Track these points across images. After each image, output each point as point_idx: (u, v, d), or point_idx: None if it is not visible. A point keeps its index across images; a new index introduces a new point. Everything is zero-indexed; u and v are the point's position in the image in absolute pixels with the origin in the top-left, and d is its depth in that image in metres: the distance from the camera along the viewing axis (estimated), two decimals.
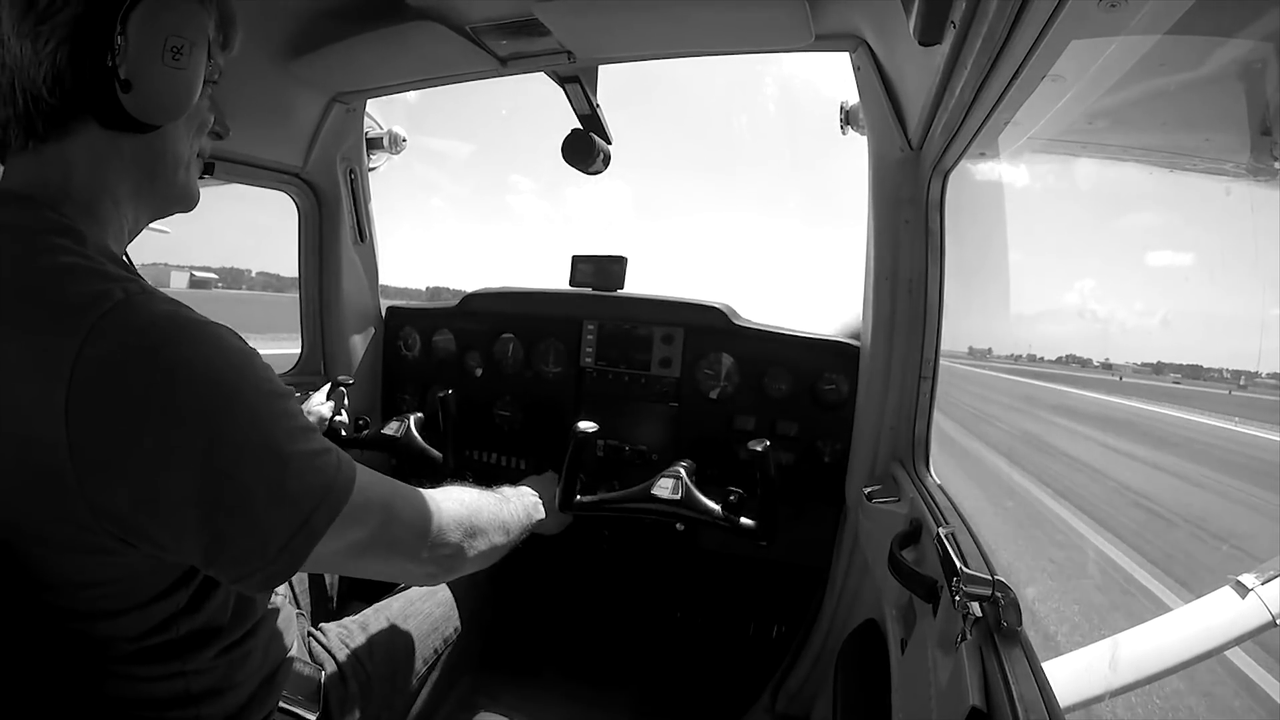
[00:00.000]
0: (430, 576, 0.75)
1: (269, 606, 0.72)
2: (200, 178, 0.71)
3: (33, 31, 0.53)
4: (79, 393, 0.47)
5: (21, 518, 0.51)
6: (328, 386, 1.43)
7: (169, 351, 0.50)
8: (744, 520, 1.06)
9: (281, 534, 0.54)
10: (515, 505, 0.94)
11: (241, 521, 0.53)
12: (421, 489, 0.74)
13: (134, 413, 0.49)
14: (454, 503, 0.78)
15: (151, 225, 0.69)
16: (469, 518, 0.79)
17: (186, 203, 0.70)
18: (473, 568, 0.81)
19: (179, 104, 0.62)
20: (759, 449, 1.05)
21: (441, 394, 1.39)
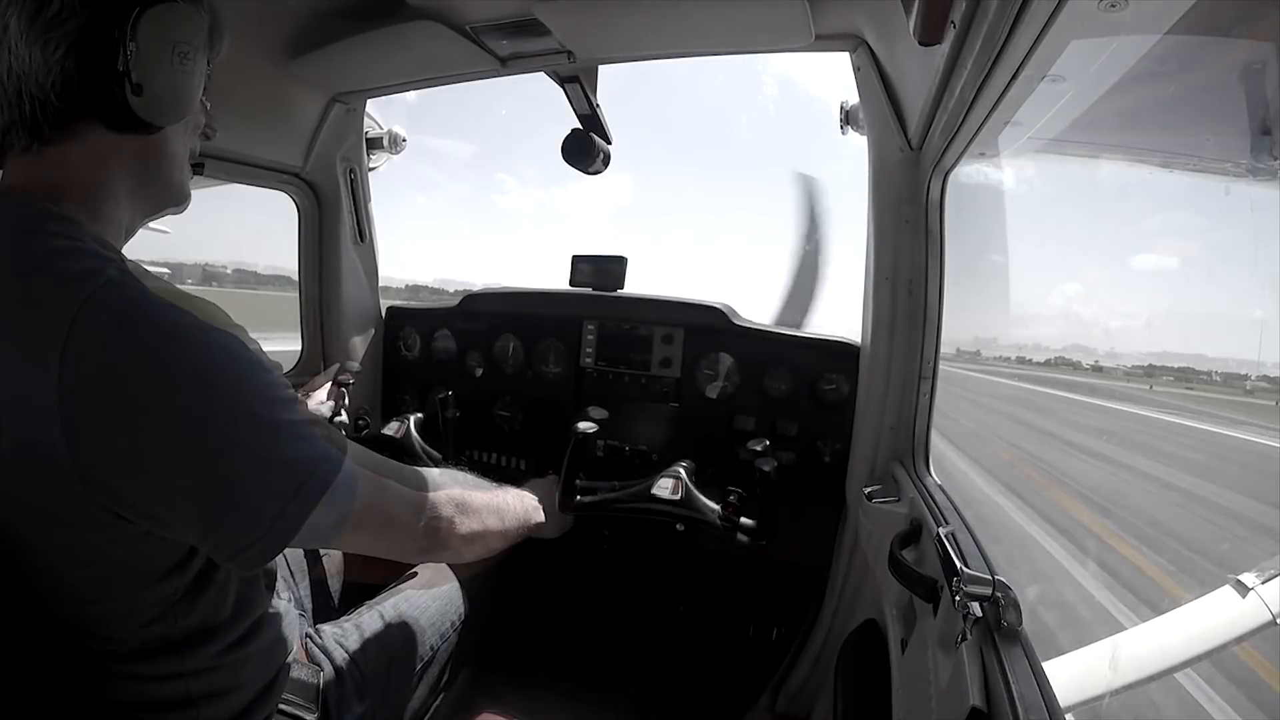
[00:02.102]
0: (423, 551, 0.77)
1: (272, 610, 0.72)
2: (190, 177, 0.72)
3: (42, 39, 0.55)
4: (71, 363, 0.48)
5: (18, 496, 0.52)
6: (329, 384, 1.43)
7: (161, 324, 0.52)
8: (744, 520, 1.06)
9: (275, 503, 0.55)
10: (511, 496, 0.95)
11: (235, 490, 0.54)
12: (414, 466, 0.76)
13: (126, 383, 0.50)
14: (446, 478, 0.80)
15: (151, 225, 0.71)
16: (461, 494, 0.81)
17: (180, 202, 0.71)
18: (466, 548, 0.83)
19: (184, 106, 0.64)
20: (759, 449, 1.05)
21: (441, 395, 1.39)
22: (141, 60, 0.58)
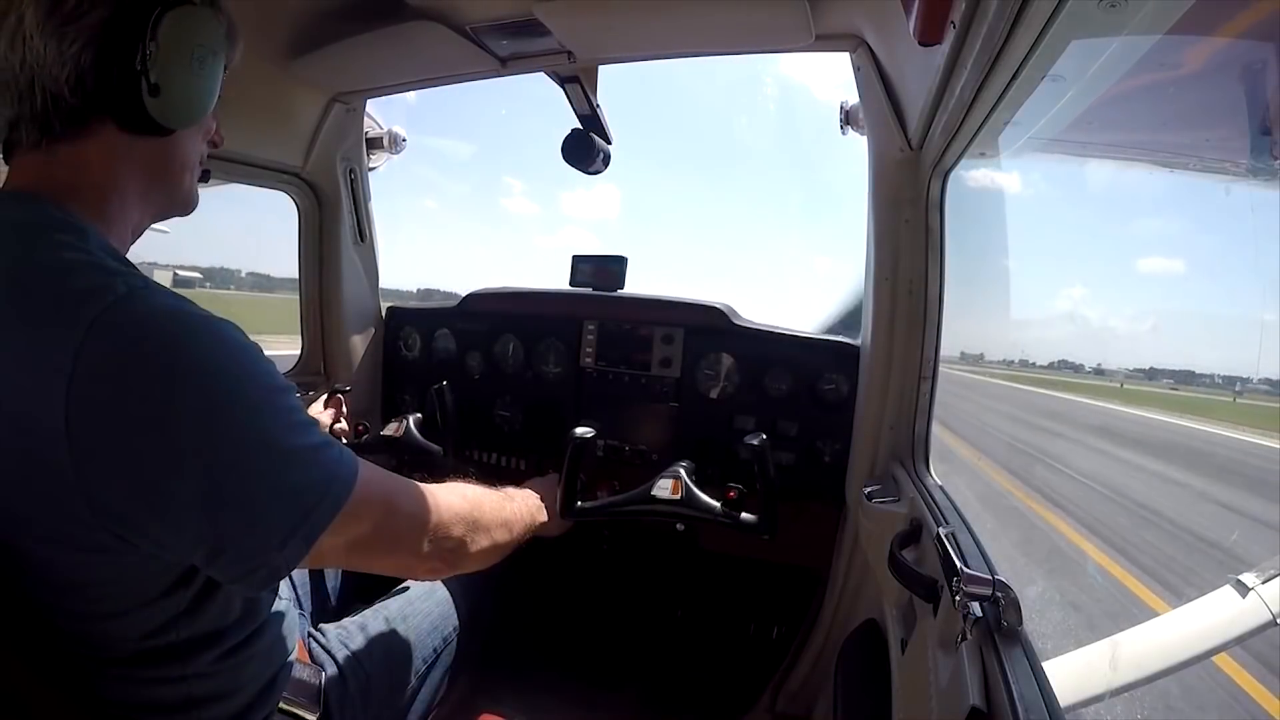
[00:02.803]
0: (433, 571, 0.76)
1: (273, 610, 0.72)
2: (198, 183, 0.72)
3: (58, 32, 0.54)
4: (79, 386, 0.47)
5: (21, 513, 0.51)
6: (325, 396, 1.43)
7: (171, 346, 0.51)
8: (745, 515, 1.06)
9: (283, 529, 0.54)
10: (519, 504, 0.94)
11: (244, 517, 0.53)
12: (425, 484, 0.74)
13: (134, 407, 0.49)
14: (457, 498, 0.78)
15: (152, 226, 0.70)
16: (471, 513, 0.79)
17: (186, 207, 0.71)
18: (476, 564, 0.82)
19: (200, 109, 0.64)
20: (755, 443, 1.05)
21: (436, 386, 1.39)
22: (161, 61, 0.57)
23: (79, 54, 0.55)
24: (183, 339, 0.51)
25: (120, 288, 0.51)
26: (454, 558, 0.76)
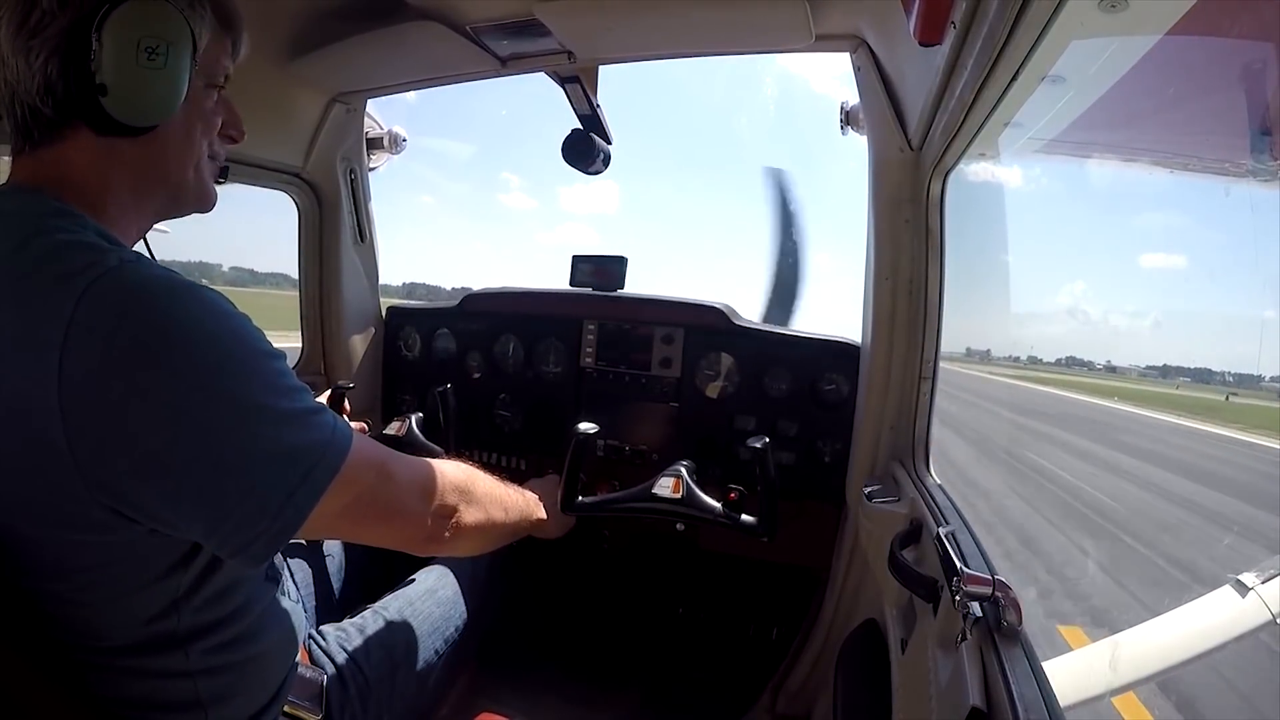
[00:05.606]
0: (429, 541, 0.76)
1: (278, 609, 0.72)
2: (217, 182, 0.71)
3: (25, 47, 0.55)
4: (71, 358, 0.48)
5: (18, 497, 0.51)
6: (327, 393, 1.43)
7: (162, 312, 0.51)
8: (745, 517, 1.06)
9: (282, 490, 0.54)
10: (515, 493, 0.95)
11: (241, 481, 0.53)
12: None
13: (127, 373, 0.49)
14: (451, 468, 0.79)
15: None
16: (466, 483, 0.80)
17: (201, 203, 0.70)
18: (472, 540, 0.82)
19: (161, 104, 0.61)
20: (758, 445, 1.05)
21: (440, 389, 1.39)
22: (106, 60, 0.56)
23: (45, 65, 0.55)
24: (172, 305, 0.52)
25: (111, 260, 0.51)
26: (448, 527, 0.76)
